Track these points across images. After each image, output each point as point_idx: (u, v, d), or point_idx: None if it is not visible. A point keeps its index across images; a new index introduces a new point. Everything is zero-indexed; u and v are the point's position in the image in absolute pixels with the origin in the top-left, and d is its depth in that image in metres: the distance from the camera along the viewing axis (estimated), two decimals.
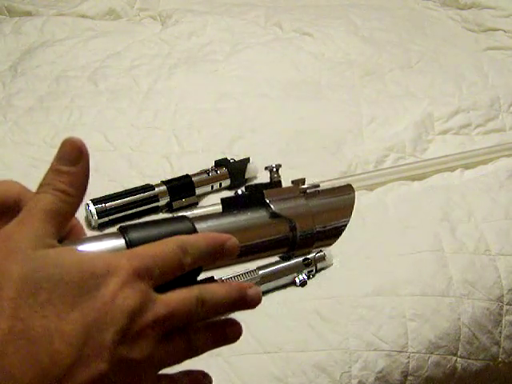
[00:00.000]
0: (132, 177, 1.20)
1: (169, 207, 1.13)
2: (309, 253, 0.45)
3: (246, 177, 1.19)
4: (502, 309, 0.95)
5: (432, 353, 0.89)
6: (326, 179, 1.17)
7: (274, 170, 0.46)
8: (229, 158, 1.20)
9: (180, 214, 1.07)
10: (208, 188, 1.16)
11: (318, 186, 0.46)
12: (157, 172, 1.21)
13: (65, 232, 0.39)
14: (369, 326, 0.89)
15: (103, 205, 1.07)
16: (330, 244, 0.46)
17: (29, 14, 1.90)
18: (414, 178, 1.21)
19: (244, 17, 1.89)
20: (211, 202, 1.13)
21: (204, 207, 1.10)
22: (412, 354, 0.87)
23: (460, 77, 1.54)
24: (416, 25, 1.88)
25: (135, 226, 0.37)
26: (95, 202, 1.07)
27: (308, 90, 1.49)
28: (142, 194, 1.10)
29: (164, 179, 1.14)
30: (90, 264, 0.33)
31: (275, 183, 0.45)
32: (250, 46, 1.68)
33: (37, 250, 0.32)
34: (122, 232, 0.37)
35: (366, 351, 0.86)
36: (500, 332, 0.94)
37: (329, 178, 1.18)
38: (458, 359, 0.91)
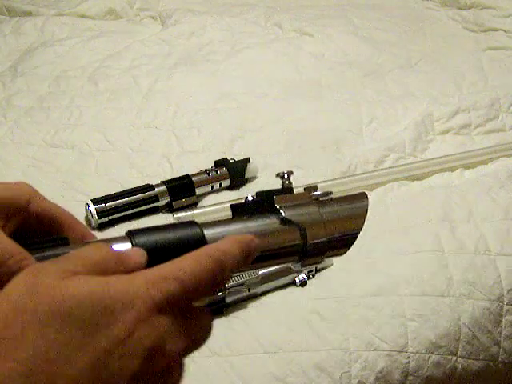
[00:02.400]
0: (132, 177, 1.20)
1: (169, 207, 1.13)
2: (320, 262, 0.43)
3: (246, 177, 1.19)
4: (502, 309, 0.95)
5: (432, 353, 0.89)
6: (326, 179, 1.17)
7: (286, 176, 0.44)
8: (229, 158, 1.20)
9: (180, 214, 1.07)
10: (208, 188, 1.16)
11: (331, 193, 0.45)
12: (157, 172, 1.21)
13: (74, 237, 0.38)
14: (369, 326, 0.89)
15: (103, 205, 1.07)
16: (342, 254, 0.45)
17: (29, 13, 1.90)
18: (413, 178, 1.21)
19: (244, 17, 1.89)
20: (211, 202, 1.13)
21: (204, 207, 1.10)
22: (412, 354, 0.87)
23: (460, 77, 1.54)
24: (416, 25, 1.88)
25: (142, 230, 0.36)
26: (95, 201, 1.07)
27: (308, 90, 1.49)
28: (142, 194, 1.10)
29: (164, 179, 1.14)
30: (104, 295, 0.28)
31: (286, 189, 0.44)
32: (249, 46, 1.68)
33: (58, 280, 0.29)
34: (129, 236, 0.36)
35: (366, 351, 0.86)
36: (500, 332, 0.94)
37: (329, 178, 1.18)
38: (458, 359, 0.91)
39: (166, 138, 1.31)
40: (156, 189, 1.11)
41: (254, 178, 1.21)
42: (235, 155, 1.22)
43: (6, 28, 1.80)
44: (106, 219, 1.07)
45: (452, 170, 1.23)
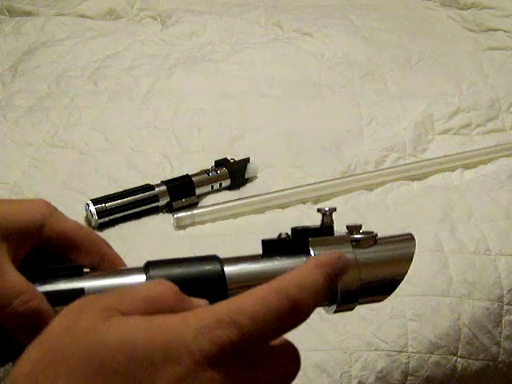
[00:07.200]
0: (132, 177, 1.20)
1: (169, 207, 1.13)
2: (352, 308, 0.40)
3: (246, 177, 1.19)
4: (502, 309, 0.95)
5: (432, 353, 0.89)
6: (326, 179, 1.17)
7: (328, 213, 0.41)
8: (229, 158, 1.20)
9: (180, 214, 1.07)
10: (208, 188, 1.16)
11: (376, 235, 0.41)
12: (157, 172, 1.21)
13: (96, 262, 0.36)
14: (369, 326, 0.89)
15: (103, 205, 1.07)
16: (380, 300, 0.41)
17: (29, 13, 1.90)
18: (413, 178, 1.21)
19: (244, 17, 1.88)
20: (211, 202, 1.13)
21: (204, 207, 1.10)
22: (412, 354, 0.87)
23: (460, 77, 1.54)
24: (416, 25, 1.88)
25: (159, 263, 0.35)
26: (95, 201, 1.07)
27: (308, 90, 1.49)
28: (142, 194, 1.10)
29: (164, 179, 1.14)
30: (144, 342, 0.25)
31: (326, 228, 0.40)
32: (250, 46, 1.68)
33: (99, 321, 0.26)
34: (145, 269, 0.35)
35: (366, 351, 0.86)
36: (500, 332, 0.94)
37: (329, 178, 1.18)
38: (458, 359, 0.90)
39: (166, 138, 1.31)
40: (156, 189, 1.11)
41: (254, 177, 1.21)
42: (235, 155, 1.22)
43: (6, 28, 1.80)
44: (106, 219, 1.07)
45: (452, 170, 1.23)
